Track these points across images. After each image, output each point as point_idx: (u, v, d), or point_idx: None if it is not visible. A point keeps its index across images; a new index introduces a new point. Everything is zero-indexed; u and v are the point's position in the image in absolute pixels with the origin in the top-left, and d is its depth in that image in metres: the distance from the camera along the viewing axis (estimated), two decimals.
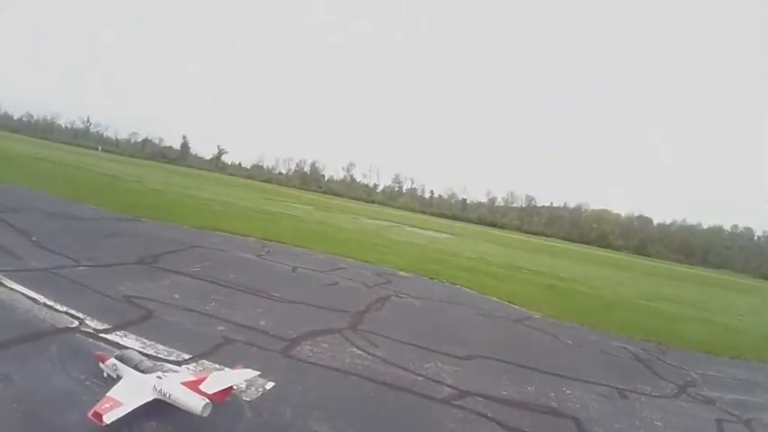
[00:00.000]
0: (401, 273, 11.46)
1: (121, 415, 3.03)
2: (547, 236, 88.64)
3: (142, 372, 3.49)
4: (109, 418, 2.96)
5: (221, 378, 3.59)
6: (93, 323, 4.79)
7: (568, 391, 5.37)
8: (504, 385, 5.21)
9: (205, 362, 4.33)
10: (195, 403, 3.19)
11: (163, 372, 3.52)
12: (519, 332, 8.12)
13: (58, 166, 26.36)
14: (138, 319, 5.18)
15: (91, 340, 4.42)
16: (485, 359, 6.01)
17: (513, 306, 10.02)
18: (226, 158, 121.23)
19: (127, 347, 4.32)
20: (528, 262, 23.02)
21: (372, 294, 8.40)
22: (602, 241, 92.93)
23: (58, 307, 5.04)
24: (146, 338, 4.64)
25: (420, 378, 4.92)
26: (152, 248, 8.77)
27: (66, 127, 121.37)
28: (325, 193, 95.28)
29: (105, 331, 4.67)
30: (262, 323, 5.63)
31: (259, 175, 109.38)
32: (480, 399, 4.69)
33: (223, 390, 3.42)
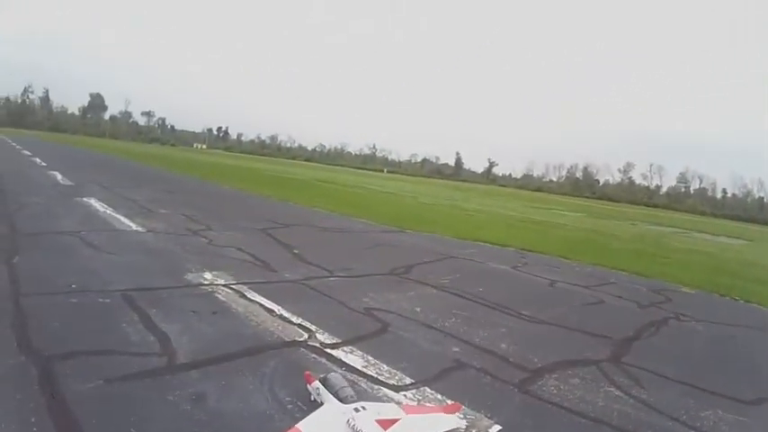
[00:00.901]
0: (684, 289, 9.49)
1: None
2: None
3: (341, 400, 3.12)
4: None
5: (427, 420, 3.05)
6: (323, 336, 4.68)
7: None
8: None
9: (427, 390, 3.82)
10: None
11: (363, 404, 3.10)
12: None
13: (341, 187, 29.44)
14: (371, 333, 4.94)
15: (314, 356, 4.24)
16: None
17: None
18: (496, 170, 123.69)
19: (346, 365, 4.12)
20: None
21: (646, 316, 6.95)
22: None
23: (294, 319, 5.07)
24: (371, 356, 4.32)
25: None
26: (408, 259, 8.80)
27: (355, 154, 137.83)
28: (599, 198, 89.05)
29: (333, 346, 4.50)
30: (502, 346, 4.90)
31: (529, 184, 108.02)
32: None
33: None
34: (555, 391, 4.03)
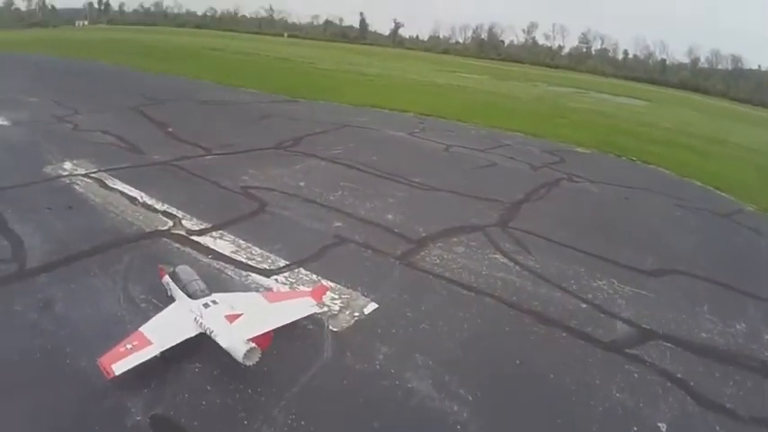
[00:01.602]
0: (579, 149, 9.58)
1: (132, 366, 2.28)
2: (754, 104, 73.58)
3: (190, 295, 2.76)
4: (118, 369, 2.24)
5: (289, 308, 2.80)
6: (190, 223, 4.26)
7: None
8: (705, 321, 3.57)
9: (302, 271, 3.56)
10: (236, 348, 2.36)
11: (215, 297, 2.75)
12: (727, 233, 6.00)
13: (231, 55, 27.31)
14: (247, 214, 4.57)
15: (177, 245, 3.85)
16: (680, 276, 4.32)
17: (720, 193, 7.67)
18: (403, 33, 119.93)
19: (214, 252, 3.76)
20: (738, 135, 18.27)
21: (538, 178, 6.96)
22: None
23: (158, 206, 4.58)
24: (243, 239, 3.99)
25: (584, 305, 3.54)
26: (298, 130, 8.26)
27: (250, 17, 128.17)
28: (504, 60, 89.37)
29: (200, 232, 4.09)
30: (389, 217, 4.70)
31: (436, 46, 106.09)
32: (669, 345, 3.17)
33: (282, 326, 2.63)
34: (438, 261, 3.90)
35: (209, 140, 7.07)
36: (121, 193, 4.88)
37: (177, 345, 2.46)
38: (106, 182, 5.16)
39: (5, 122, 7.99)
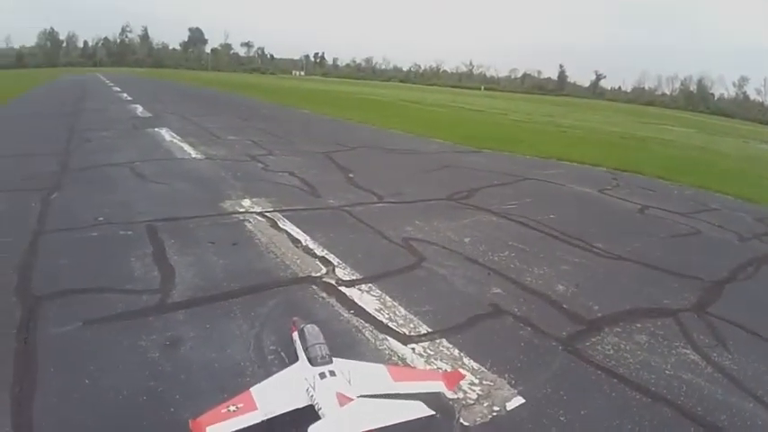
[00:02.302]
0: None
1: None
2: None
3: (310, 360, 2.48)
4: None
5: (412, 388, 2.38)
6: (342, 272, 4.08)
7: None
8: None
9: (444, 343, 3.10)
10: None
11: (334, 367, 2.43)
12: None
13: (426, 107, 28.16)
14: (401, 268, 4.26)
15: (323, 295, 3.66)
16: None
17: None
18: (604, 84, 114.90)
19: (356, 307, 3.49)
20: None
21: (746, 252, 5.65)
22: None
23: (318, 251, 4.51)
24: (390, 296, 3.67)
25: None
26: (474, 182, 7.91)
27: (451, 72, 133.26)
28: (713, 113, 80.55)
29: (350, 283, 3.88)
30: (559, 288, 4.04)
31: (639, 98, 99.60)
32: None
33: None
34: (611, 352, 3.14)
35: (385, 188, 7.04)
36: (288, 234, 4.94)
37: (285, 414, 2.19)
38: (278, 222, 5.29)
39: (199, 156, 8.88)
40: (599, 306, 3.75)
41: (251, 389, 2.29)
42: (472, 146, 12.34)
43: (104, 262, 4.13)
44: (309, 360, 2.47)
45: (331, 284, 3.84)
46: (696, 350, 3.25)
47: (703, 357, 3.17)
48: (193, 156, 9.03)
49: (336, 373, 2.38)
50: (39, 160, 8.13)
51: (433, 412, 2.15)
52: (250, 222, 5.29)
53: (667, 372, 2.97)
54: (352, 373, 2.42)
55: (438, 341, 3.10)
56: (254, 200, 6.11)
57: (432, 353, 2.97)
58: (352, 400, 2.19)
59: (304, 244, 4.69)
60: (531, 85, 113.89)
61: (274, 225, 5.22)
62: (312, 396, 2.24)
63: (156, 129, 12.39)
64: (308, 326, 2.69)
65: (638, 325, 3.52)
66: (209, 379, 2.62)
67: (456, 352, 2.99)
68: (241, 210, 5.70)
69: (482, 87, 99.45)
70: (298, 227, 5.15)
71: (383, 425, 2.05)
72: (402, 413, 2.12)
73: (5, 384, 2.49)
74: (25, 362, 2.71)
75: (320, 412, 2.15)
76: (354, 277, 3.99)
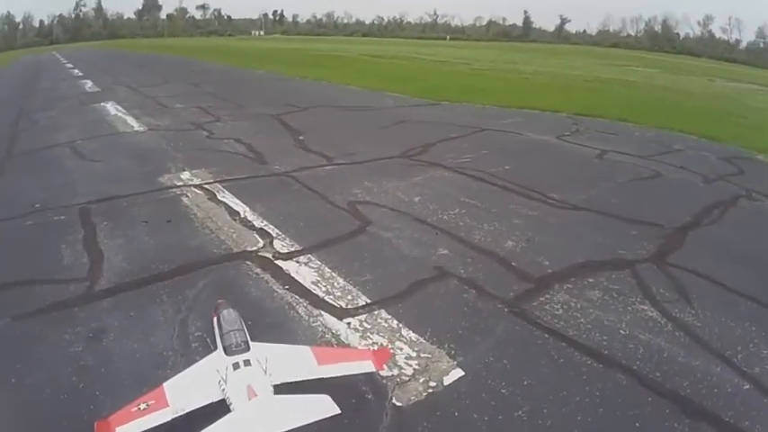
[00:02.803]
0: (760, 156, 7.58)
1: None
2: None
3: (225, 349, 2.25)
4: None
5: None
6: (281, 244, 3.83)
7: None
8: None
9: (382, 314, 2.89)
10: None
11: (250, 356, 2.21)
12: None
13: (387, 60, 27.47)
14: (343, 235, 4.02)
15: (257, 271, 3.42)
16: None
17: None
18: (569, 28, 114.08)
19: (293, 281, 3.27)
20: None
21: (710, 194, 5.51)
22: None
23: (257, 222, 4.25)
24: (330, 267, 3.44)
25: (747, 386, 2.43)
26: (430, 136, 7.63)
27: (415, 23, 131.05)
28: (679, 53, 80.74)
29: (287, 255, 3.64)
30: (508, 245, 3.84)
31: (605, 40, 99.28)
32: None
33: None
34: (561, 312, 2.97)
35: (335, 149, 6.73)
36: (226, 206, 4.66)
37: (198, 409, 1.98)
38: (216, 194, 4.99)
39: (141, 128, 8.43)
40: (549, 261, 3.57)
41: (164, 384, 2.09)
42: (431, 98, 12.00)
43: (36, 252, 3.86)
44: (224, 349, 2.24)
45: (267, 258, 3.60)
46: (654, 305, 3.07)
47: (663, 314, 2.99)
48: (136, 128, 8.55)
49: (252, 362, 2.15)
50: None
51: (338, 411, 1.92)
52: (187, 197, 4.98)
53: (622, 332, 2.80)
54: (273, 360, 2.20)
55: (376, 313, 2.89)
56: (193, 171, 5.76)
57: (368, 326, 2.76)
58: (257, 395, 1.97)
59: (242, 216, 4.41)
60: (496, 33, 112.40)
61: (213, 198, 4.92)
62: (224, 390, 2.03)
63: (102, 103, 11.73)
64: (225, 311, 2.45)
65: (591, 280, 3.34)
66: (130, 372, 2.42)
67: (395, 323, 2.79)
68: (179, 183, 5.37)
69: (447, 37, 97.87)
70: (238, 198, 4.86)
71: (282, 429, 1.84)
72: (306, 412, 1.91)
73: None
74: None
75: (231, 407, 1.94)
76: (293, 249, 3.74)
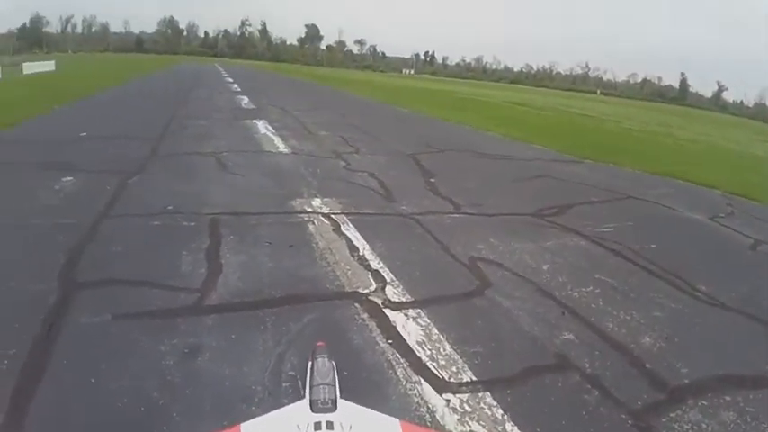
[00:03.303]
0: None
1: None
2: None
3: (311, 403, 2.11)
4: None
5: None
6: (393, 291, 3.70)
7: None
8: None
9: (486, 399, 2.58)
10: None
11: (334, 417, 2.04)
12: None
13: (532, 110, 26.95)
14: (460, 294, 3.79)
15: (363, 317, 3.30)
16: None
17: None
18: (727, 96, 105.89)
19: (397, 337, 3.10)
20: None
21: None
22: None
23: (374, 263, 4.16)
24: (439, 328, 3.23)
25: None
26: (569, 197, 7.17)
27: (565, 74, 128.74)
28: None
29: (398, 306, 3.49)
30: (644, 341, 3.36)
31: (758, 114, 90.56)
32: None
33: None
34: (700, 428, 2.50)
35: (466, 197, 6.55)
36: (348, 240, 4.67)
37: None
38: (341, 226, 5.04)
39: (285, 150, 8.81)
40: (688, 369, 3.05)
41: (241, 424, 1.98)
42: (574, 154, 11.42)
43: (157, 253, 4.08)
44: (311, 403, 2.10)
45: (376, 305, 3.47)
46: None
47: None
48: (281, 149, 9.02)
49: (336, 425, 1.99)
50: (133, 144, 8.45)
51: None
52: (313, 224, 5.06)
53: None
54: (357, 427, 2.02)
55: (481, 395, 2.61)
56: (324, 200, 5.88)
57: (469, 409, 2.49)
58: None
59: (361, 253, 4.36)
60: (650, 92, 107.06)
61: (337, 229, 4.95)
62: None
63: (254, 120, 12.64)
64: (321, 359, 2.31)
65: (728, 398, 2.80)
66: (214, 400, 2.37)
67: (500, 413, 2.48)
68: (308, 209, 5.50)
69: (598, 92, 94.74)
70: (360, 233, 4.84)
71: None
72: None
73: (12, 374, 2.42)
74: (40, 351, 2.64)
75: None
76: (404, 299, 3.59)
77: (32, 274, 3.51)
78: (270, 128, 11.46)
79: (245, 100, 18.07)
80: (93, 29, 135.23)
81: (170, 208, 5.17)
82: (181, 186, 6.03)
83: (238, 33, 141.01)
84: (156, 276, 3.60)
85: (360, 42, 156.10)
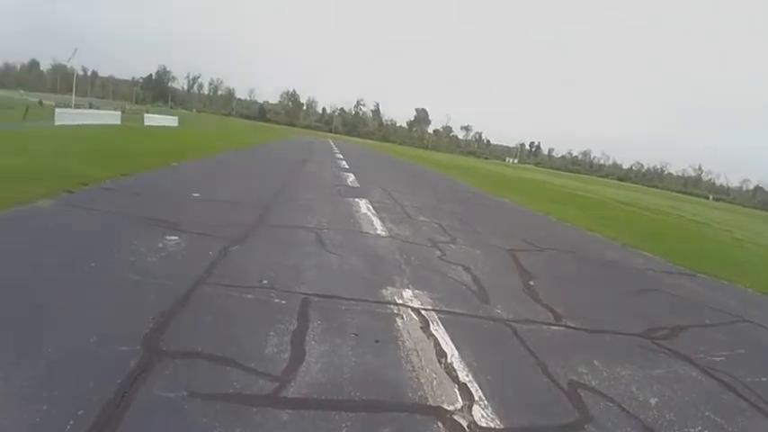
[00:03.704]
0: None
1: None
2: None
3: None
4: None
5: None
6: (481, 413, 3.41)
7: None
8: None
9: None
10: None
11: None
12: None
13: (640, 211, 25.74)
14: (555, 427, 3.43)
15: None
16: None
17: None
18: None
19: None
20: None
21: None
22: None
23: (462, 375, 3.90)
24: None
25: None
26: (681, 317, 6.55)
27: (676, 175, 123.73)
28: None
29: None
30: None
31: None
32: None
33: None
34: None
35: (567, 306, 6.12)
36: (436, 342, 4.45)
37: None
38: (430, 324, 4.85)
39: (383, 233, 8.83)
40: None
41: None
42: (686, 266, 10.56)
43: (245, 330, 4.08)
44: None
45: (461, 427, 3.20)
46: None
47: None
48: (378, 231, 9.07)
49: None
50: (241, 210, 8.89)
51: None
52: (402, 318, 4.91)
53: None
54: None
55: None
56: (416, 292, 5.74)
57: None
58: None
59: (448, 360, 4.12)
60: (763, 201, 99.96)
61: (425, 327, 4.76)
62: None
63: (356, 199, 12.95)
64: None
65: None
66: None
67: None
68: (399, 301, 5.37)
69: (710, 197, 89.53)
70: (450, 335, 4.61)
71: None
72: None
73: None
74: (108, 418, 2.64)
75: None
76: (492, 425, 3.29)
77: (119, 334, 3.61)
78: (371, 208, 11.66)
79: (350, 177, 18.73)
80: (219, 92, 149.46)
81: (265, 282, 5.25)
82: (278, 260, 6.15)
83: (353, 112, 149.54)
84: (240, 355, 3.58)
85: (466, 128, 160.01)
